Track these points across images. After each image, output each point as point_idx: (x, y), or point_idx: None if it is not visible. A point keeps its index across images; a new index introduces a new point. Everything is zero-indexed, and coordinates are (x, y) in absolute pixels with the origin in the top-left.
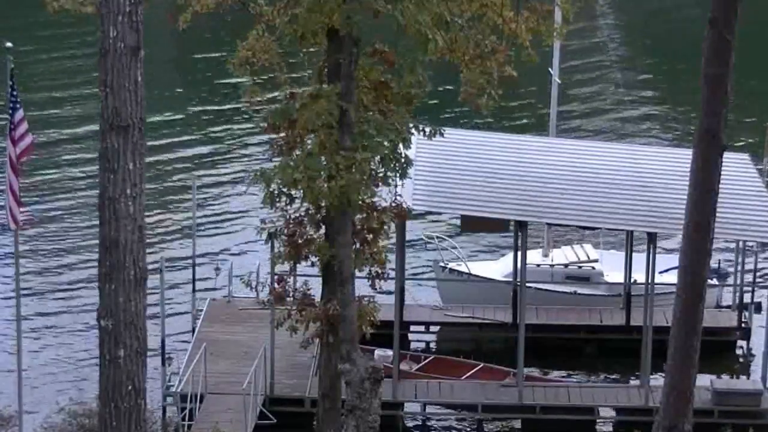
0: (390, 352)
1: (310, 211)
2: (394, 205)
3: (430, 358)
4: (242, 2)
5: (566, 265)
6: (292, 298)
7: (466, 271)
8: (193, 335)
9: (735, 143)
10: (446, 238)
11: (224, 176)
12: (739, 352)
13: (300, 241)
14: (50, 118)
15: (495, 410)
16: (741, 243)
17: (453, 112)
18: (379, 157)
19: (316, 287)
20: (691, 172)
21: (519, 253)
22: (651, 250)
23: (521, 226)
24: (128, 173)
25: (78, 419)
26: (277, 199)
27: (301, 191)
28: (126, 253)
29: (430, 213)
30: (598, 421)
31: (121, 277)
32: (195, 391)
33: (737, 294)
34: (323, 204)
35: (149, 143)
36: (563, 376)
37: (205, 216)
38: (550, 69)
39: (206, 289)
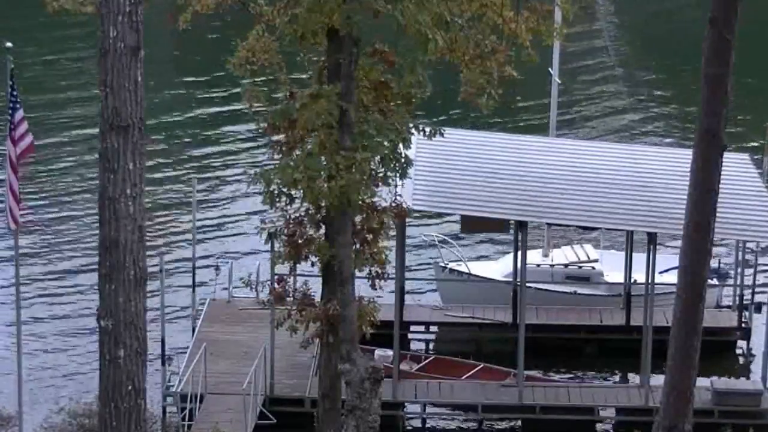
0: (390, 352)
1: (310, 211)
2: (394, 205)
3: (430, 358)
4: (242, 2)
5: (566, 265)
6: (292, 298)
7: (466, 271)
8: (193, 335)
9: (735, 143)
10: (446, 238)
11: (224, 176)
12: (739, 352)
13: (300, 241)
14: (50, 118)
15: (495, 410)
16: (741, 243)
17: (453, 112)
18: (379, 157)
19: (316, 287)
20: (691, 172)
21: (519, 253)
22: (651, 250)
23: (521, 226)
24: (128, 173)
25: (78, 419)
26: (277, 199)
27: (301, 191)
28: (126, 253)
29: (430, 213)
30: (597, 421)
31: (121, 278)
32: (195, 391)
33: (737, 294)
34: (323, 204)
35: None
36: (563, 376)
37: (206, 216)
38: (550, 69)
39: (206, 289)
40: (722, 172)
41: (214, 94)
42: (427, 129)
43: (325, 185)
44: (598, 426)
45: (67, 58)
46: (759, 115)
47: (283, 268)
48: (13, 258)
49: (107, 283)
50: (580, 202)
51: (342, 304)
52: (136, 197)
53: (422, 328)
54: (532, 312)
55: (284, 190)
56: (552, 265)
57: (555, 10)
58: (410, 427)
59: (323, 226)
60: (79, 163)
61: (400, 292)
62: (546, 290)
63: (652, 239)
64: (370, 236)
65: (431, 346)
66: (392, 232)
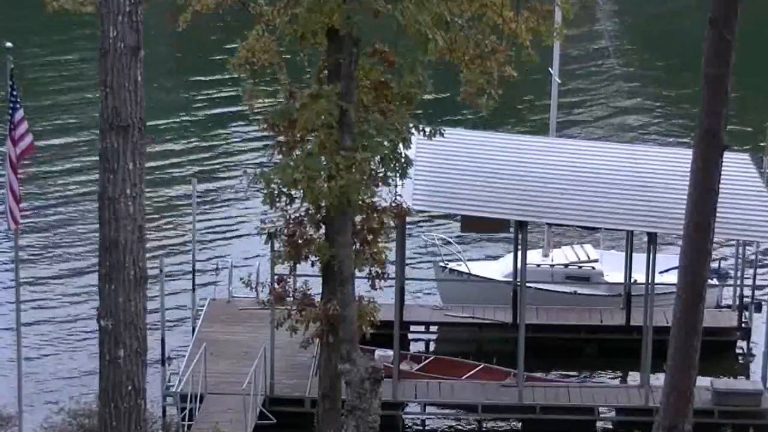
0: (390, 352)
1: (310, 211)
2: (394, 205)
3: (431, 358)
4: (242, 2)
5: (566, 265)
6: (292, 298)
7: (466, 271)
8: (193, 335)
9: (735, 143)
10: (446, 238)
11: (225, 176)
12: (739, 352)
13: (300, 241)
14: (50, 119)
15: (495, 410)
16: (741, 243)
17: (453, 112)
18: (379, 157)
19: (316, 287)
20: (691, 172)
21: (519, 253)
22: (651, 250)
23: (521, 226)
24: (128, 173)
25: (78, 419)
26: (277, 199)
27: (301, 191)
28: (126, 253)
29: (430, 213)
30: (598, 421)
31: (121, 278)
32: (195, 391)
33: (737, 294)
34: (323, 204)
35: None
36: (563, 376)
37: (206, 216)
38: (550, 69)
39: (206, 289)
40: (722, 172)
41: (214, 95)
42: (427, 129)
43: (325, 185)
44: (598, 426)
45: (68, 59)
46: (759, 115)
47: (283, 268)
48: (13, 258)
49: (107, 283)
50: (580, 202)
51: (342, 304)
52: (136, 197)
53: (422, 328)
54: (532, 312)
55: (284, 190)
56: (552, 265)
57: (555, 10)
58: (410, 428)
59: (323, 226)
60: (79, 163)
61: (400, 292)
62: (546, 290)
63: (652, 239)
64: (370, 236)
65: (431, 346)
66: (392, 233)
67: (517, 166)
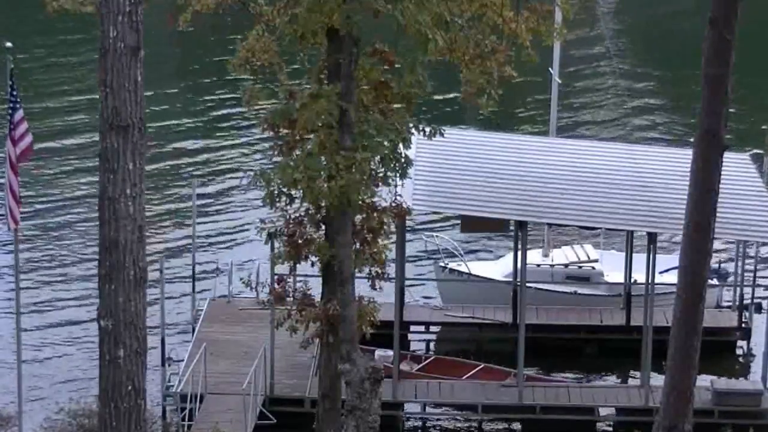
0: (390, 352)
1: (310, 211)
2: (394, 205)
3: (431, 358)
4: (242, 2)
5: (566, 265)
6: (292, 298)
7: (466, 271)
8: (193, 335)
9: (735, 143)
10: (446, 238)
11: (224, 176)
12: (739, 352)
13: (300, 241)
14: (50, 119)
15: (495, 410)
16: (741, 243)
17: (453, 112)
18: (379, 157)
19: (316, 287)
20: (691, 172)
21: (519, 253)
22: (651, 250)
23: (521, 226)
24: (128, 173)
25: (78, 419)
26: (277, 199)
27: (301, 191)
28: (126, 253)
29: (430, 213)
30: (598, 421)
31: (121, 278)
32: (195, 391)
33: (737, 294)
34: (323, 204)
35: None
36: (563, 376)
37: (206, 216)
38: (550, 69)
39: (206, 289)
40: (722, 172)
41: (214, 95)
42: (427, 129)
43: (325, 185)
44: (598, 426)
45: (67, 57)
46: (759, 115)
47: (283, 268)
48: (13, 258)
49: (107, 283)
50: (580, 202)
51: (342, 304)
52: (135, 197)
53: (422, 328)
54: (532, 312)
55: (284, 190)
56: (552, 265)
57: (555, 11)
58: (410, 428)
59: (323, 226)
60: (79, 162)
61: (400, 292)
62: (546, 290)
63: (652, 239)
64: (370, 236)
65: (431, 346)
66: (392, 233)
67: (517, 166)
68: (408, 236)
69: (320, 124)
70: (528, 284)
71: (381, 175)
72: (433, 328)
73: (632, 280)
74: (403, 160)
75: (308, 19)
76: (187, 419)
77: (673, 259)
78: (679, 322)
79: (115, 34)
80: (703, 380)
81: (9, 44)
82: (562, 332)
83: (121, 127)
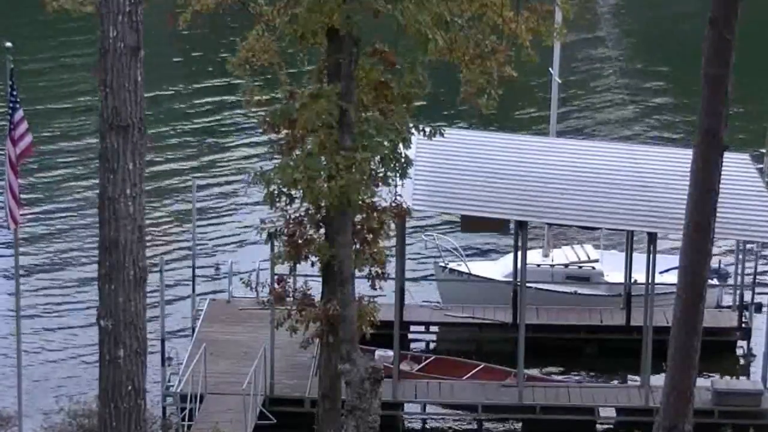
0: (390, 352)
1: (310, 211)
2: (394, 205)
3: (431, 358)
4: (242, 2)
5: (566, 265)
6: (292, 298)
7: (466, 271)
8: (193, 335)
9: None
10: (446, 238)
11: (224, 176)
12: (739, 352)
13: (300, 241)
14: (50, 118)
15: (495, 410)
16: (741, 243)
17: (453, 112)
18: (379, 157)
19: (316, 287)
20: (691, 172)
21: (519, 253)
22: (651, 250)
23: (521, 226)
24: (128, 173)
25: (78, 419)
26: (277, 199)
27: (301, 191)
28: (126, 253)
29: (430, 213)
30: (598, 421)
31: (120, 278)
32: (195, 391)
33: (737, 294)
34: (323, 204)
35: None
36: (563, 376)
37: (205, 216)
38: (550, 69)
39: (206, 289)
40: (722, 172)
41: (214, 95)
42: (427, 129)
43: (325, 185)
44: (598, 426)
45: (67, 57)
46: (759, 115)
47: (283, 268)
48: (13, 258)
49: (107, 283)
50: (580, 202)
51: (342, 304)
52: (135, 197)
53: (422, 328)
54: (532, 312)
55: (284, 190)
56: (552, 265)
57: (555, 11)
58: (410, 428)
59: (323, 226)
60: (79, 162)
61: (400, 292)
62: (546, 290)
63: (652, 239)
64: (370, 236)
65: (431, 346)
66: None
67: (517, 166)
68: (408, 236)
69: (320, 124)
70: (528, 284)
71: (381, 175)
72: (433, 328)
73: (632, 280)
74: (403, 160)
75: (308, 19)
76: (187, 419)
77: (673, 259)
78: (679, 322)
79: (115, 34)
80: (704, 380)
81: (9, 44)
82: (562, 332)
83: (121, 127)
